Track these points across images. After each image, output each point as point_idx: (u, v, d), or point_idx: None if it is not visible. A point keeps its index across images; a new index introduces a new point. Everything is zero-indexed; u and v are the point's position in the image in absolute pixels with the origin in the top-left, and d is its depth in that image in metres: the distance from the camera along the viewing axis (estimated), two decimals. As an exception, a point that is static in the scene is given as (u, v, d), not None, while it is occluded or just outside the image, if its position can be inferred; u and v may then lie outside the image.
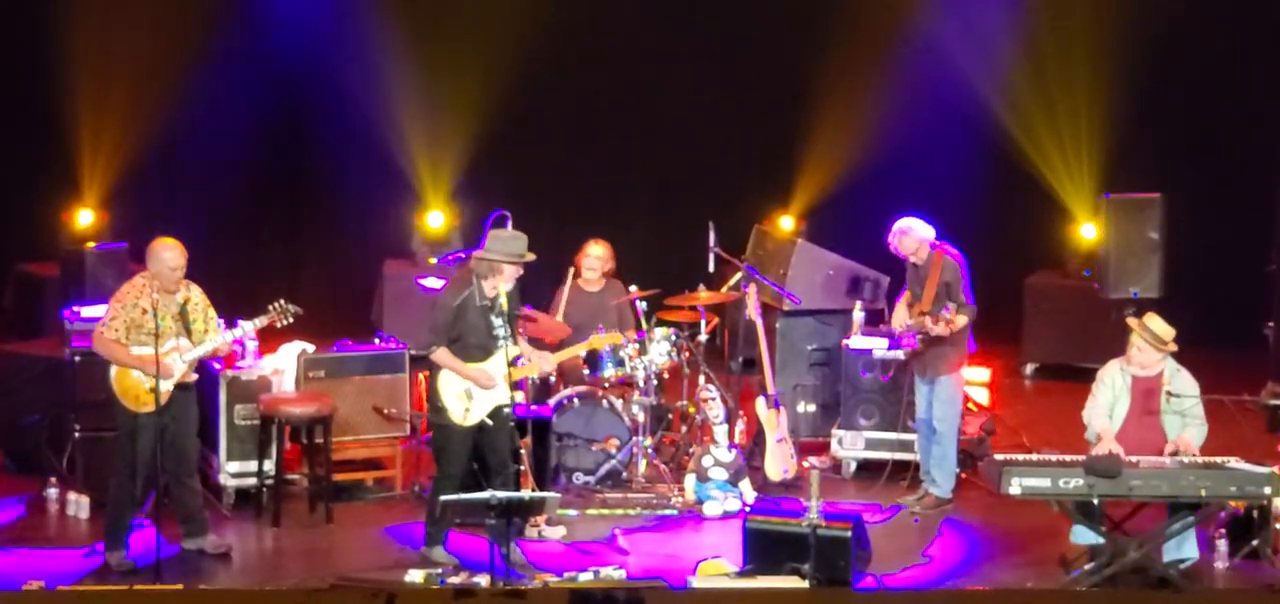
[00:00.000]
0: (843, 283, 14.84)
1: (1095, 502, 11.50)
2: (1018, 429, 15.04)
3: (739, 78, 18.62)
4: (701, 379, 13.95)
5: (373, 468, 13.69)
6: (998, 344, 16.85)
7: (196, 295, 12.08)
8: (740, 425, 13.89)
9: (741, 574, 11.60)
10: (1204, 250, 17.46)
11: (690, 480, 13.41)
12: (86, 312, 13.38)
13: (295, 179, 19.05)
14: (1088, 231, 17.46)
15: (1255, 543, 12.02)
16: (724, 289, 14.43)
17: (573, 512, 13.07)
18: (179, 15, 17.87)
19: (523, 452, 12.63)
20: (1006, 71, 18.12)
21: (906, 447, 13.79)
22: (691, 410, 14.07)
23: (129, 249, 14.65)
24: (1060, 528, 12.11)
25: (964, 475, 13.59)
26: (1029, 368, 17.55)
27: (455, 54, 18.24)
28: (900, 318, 13.35)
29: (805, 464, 13.77)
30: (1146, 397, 12.00)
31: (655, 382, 13.91)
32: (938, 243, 13.24)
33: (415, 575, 11.71)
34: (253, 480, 13.09)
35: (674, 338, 14.00)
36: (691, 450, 13.73)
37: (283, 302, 12.29)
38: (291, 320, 12.33)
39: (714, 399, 13.66)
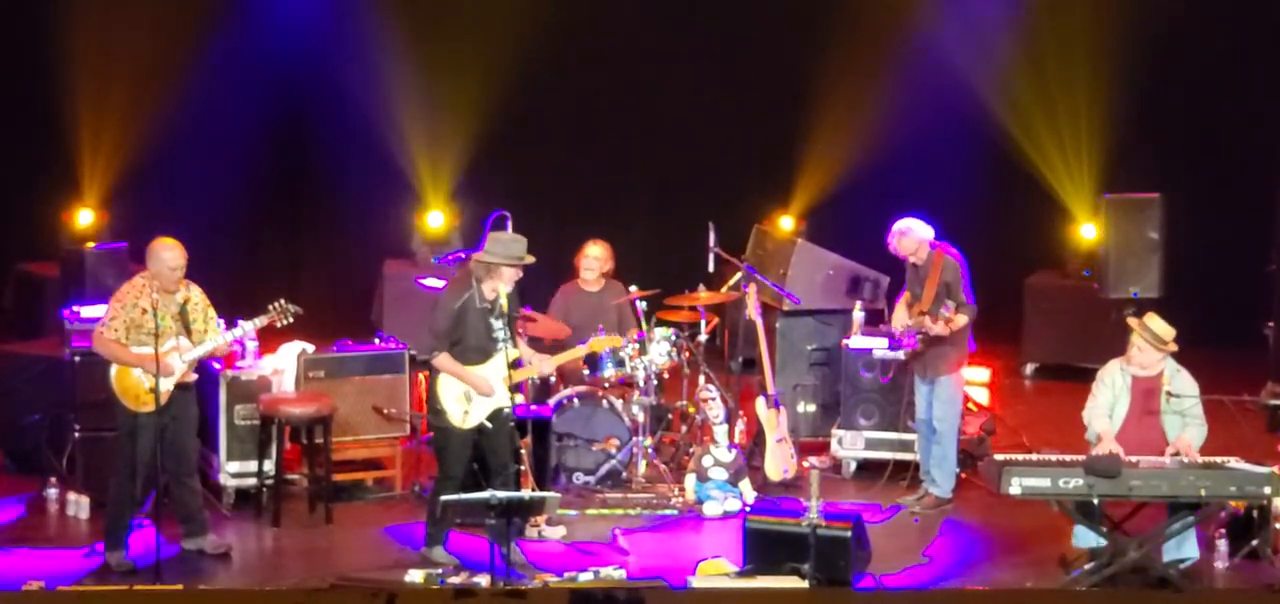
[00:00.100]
0: (843, 283, 14.84)
1: (1095, 502, 11.50)
2: (1018, 429, 15.04)
3: (739, 78, 18.62)
4: (701, 379, 13.95)
5: (373, 468, 13.69)
6: (998, 344, 16.85)
7: (196, 295, 12.08)
8: (740, 425, 13.89)
9: (741, 574, 11.60)
10: (1204, 250, 17.46)
11: (690, 480, 13.41)
12: (86, 311, 13.38)
13: (295, 179, 19.05)
14: (1088, 231, 17.46)
15: (1255, 543, 12.02)
16: (724, 289, 14.43)
17: (573, 512, 13.06)
18: (179, 15, 17.87)
19: (523, 452, 12.63)
20: (1006, 72, 18.11)
21: (906, 447, 13.79)
22: (691, 410, 14.07)
23: (129, 249, 14.65)
24: (1060, 528, 12.11)
25: (964, 475, 13.59)
26: (1029, 368, 17.55)
27: (455, 54, 18.24)
28: (900, 318, 13.35)
29: (805, 464, 13.77)
30: (1146, 397, 12.00)
31: (655, 382, 13.91)
32: (937, 243, 13.24)
33: (415, 575, 11.71)
34: (253, 480, 13.09)
35: (674, 338, 14.00)
36: (691, 450, 13.73)
37: (283, 301, 12.29)
38: (291, 320, 12.33)
39: (714, 399, 13.66)
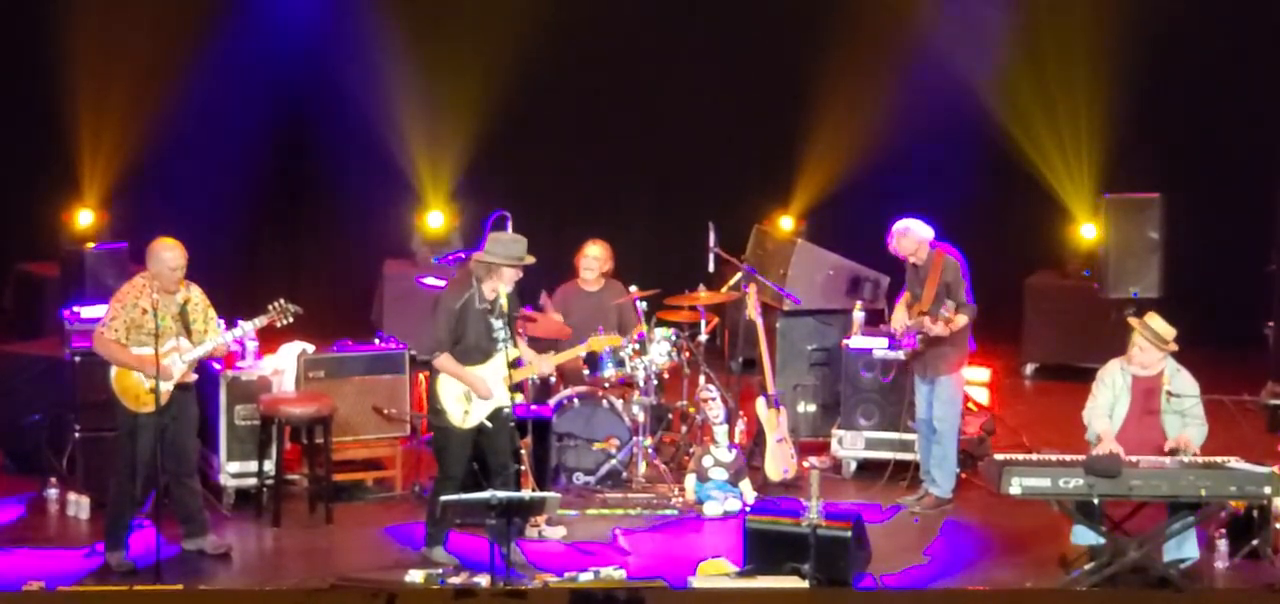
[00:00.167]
0: (843, 283, 14.84)
1: (1095, 502, 11.50)
2: (1018, 429, 15.04)
3: (739, 78, 18.62)
4: (701, 379, 13.95)
5: (373, 468, 13.69)
6: (998, 344, 16.85)
7: (196, 295, 12.08)
8: (740, 425, 13.89)
9: (741, 574, 11.59)
10: (1204, 250, 17.46)
11: (690, 480, 13.41)
12: (86, 311, 13.38)
13: (295, 179, 19.05)
14: (1088, 231, 17.46)
15: (1255, 543, 12.02)
16: (724, 289, 14.43)
17: (573, 512, 13.06)
18: (179, 15, 17.86)
19: (523, 452, 12.64)
20: (1006, 71, 18.11)
21: (906, 447, 13.79)
22: (691, 410, 14.07)
23: (129, 249, 14.65)
24: (1060, 528, 12.11)
25: (964, 475, 13.59)
26: (1029, 368, 17.55)
27: (455, 54, 18.24)
28: (900, 318, 13.35)
29: (805, 464, 13.76)
30: (1147, 396, 12.00)
31: (655, 382, 13.91)
32: (937, 242, 13.24)
33: (415, 575, 11.71)
34: (253, 481, 13.09)
35: (674, 338, 14.00)
36: (691, 450, 13.74)
37: (283, 301, 12.29)
38: (291, 320, 12.33)
39: (714, 399, 13.66)
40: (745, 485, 13.37)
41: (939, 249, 13.20)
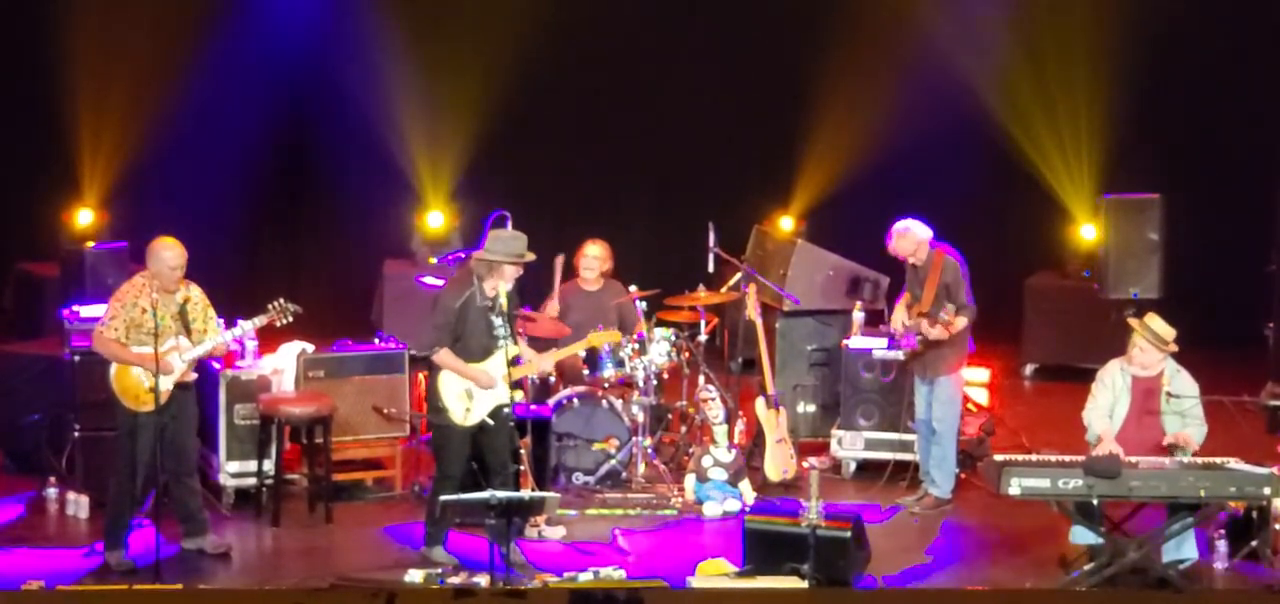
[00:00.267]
0: (842, 283, 14.83)
1: (1094, 502, 11.50)
2: (1017, 430, 15.04)
3: (739, 78, 18.62)
4: (701, 379, 13.95)
5: (373, 468, 13.69)
6: (998, 344, 16.85)
7: (196, 295, 12.08)
8: (740, 426, 13.89)
9: (741, 574, 11.59)
10: (1204, 250, 17.46)
11: (690, 481, 13.41)
12: (86, 311, 13.38)
13: (295, 179, 19.05)
14: (1088, 232, 17.45)
15: (1255, 543, 12.02)
16: (724, 289, 14.43)
17: (572, 512, 13.06)
18: (179, 15, 17.87)
19: (522, 452, 12.63)
20: (1006, 71, 18.11)
21: (906, 447, 13.79)
22: (691, 411, 14.07)
23: (129, 249, 14.65)
24: (1060, 528, 12.11)
25: (964, 476, 13.59)
26: (1029, 368, 17.55)
27: (455, 54, 18.24)
28: (899, 319, 13.35)
29: (805, 464, 13.75)
30: (1146, 397, 12.00)
31: (655, 382, 13.91)
32: (937, 243, 13.23)
33: (415, 575, 11.71)
34: (252, 480, 13.09)
35: (674, 338, 14.00)
36: (691, 451, 13.73)
37: (282, 301, 12.29)
38: (291, 319, 12.33)
39: (714, 399, 13.66)
40: (745, 486, 13.37)
41: (939, 250, 13.19)
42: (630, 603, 8.52)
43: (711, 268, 14.35)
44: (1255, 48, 17.81)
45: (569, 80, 18.57)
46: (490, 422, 11.96)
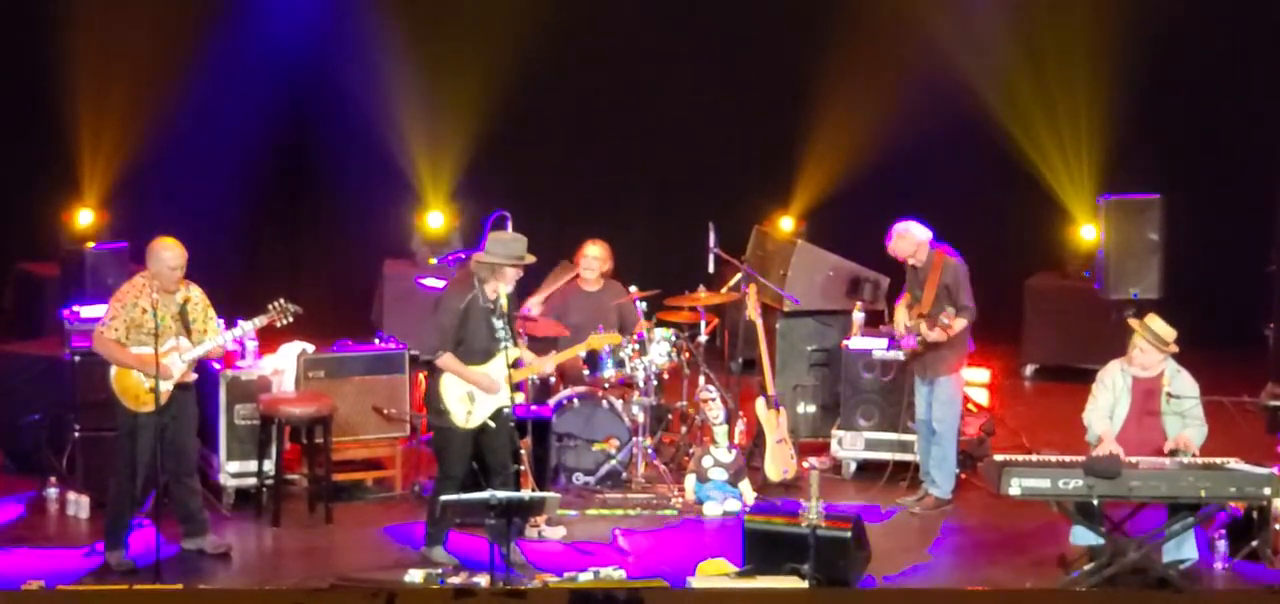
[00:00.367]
0: (842, 283, 14.83)
1: (1095, 502, 11.50)
2: (1018, 430, 15.04)
3: (739, 78, 18.62)
4: (701, 380, 13.95)
5: (373, 468, 13.68)
6: (998, 345, 16.85)
7: (196, 295, 12.08)
8: (740, 426, 13.89)
9: (741, 574, 11.59)
10: (1204, 250, 17.46)
11: (690, 481, 13.41)
12: (86, 311, 13.38)
13: (295, 179, 19.04)
14: (1088, 232, 17.45)
15: (1255, 544, 12.02)
16: (724, 290, 14.43)
17: (573, 512, 13.06)
18: (179, 15, 17.87)
19: (523, 452, 12.63)
20: (1006, 71, 18.11)
21: (906, 447, 13.79)
22: (691, 411, 14.07)
23: (129, 249, 14.64)
24: (1060, 528, 12.11)
25: (964, 476, 13.59)
26: (1029, 369, 17.55)
27: (455, 54, 18.24)
28: (900, 319, 13.35)
29: (805, 464, 13.75)
30: (1147, 398, 12.00)
31: (655, 382, 13.91)
32: (937, 244, 13.23)
33: (415, 575, 11.71)
34: (252, 480, 13.09)
35: (674, 338, 14.00)
36: (691, 451, 13.74)
37: (282, 301, 12.29)
38: (291, 320, 12.33)
39: (714, 400, 13.66)
40: (745, 486, 13.37)
41: (939, 250, 13.19)
42: (630, 603, 8.52)
43: (711, 268, 14.35)
44: (1255, 48, 17.81)
45: (569, 80, 18.57)
46: (491, 423, 11.96)
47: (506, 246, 11.96)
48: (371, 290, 17.92)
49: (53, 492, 13.20)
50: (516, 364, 12.22)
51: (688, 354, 14.10)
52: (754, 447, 13.94)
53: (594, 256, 14.26)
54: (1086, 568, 11.72)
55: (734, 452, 13.47)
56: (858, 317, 14.39)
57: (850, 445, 14.12)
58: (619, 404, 13.65)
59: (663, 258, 17.38)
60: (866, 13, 18.16)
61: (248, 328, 12.36)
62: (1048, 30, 18.10)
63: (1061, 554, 12.11)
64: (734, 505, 13.22)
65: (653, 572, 11.89)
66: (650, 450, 13.83)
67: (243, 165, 18.34)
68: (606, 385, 13.77)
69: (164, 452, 11.90)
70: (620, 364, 13.76)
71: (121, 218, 17.61)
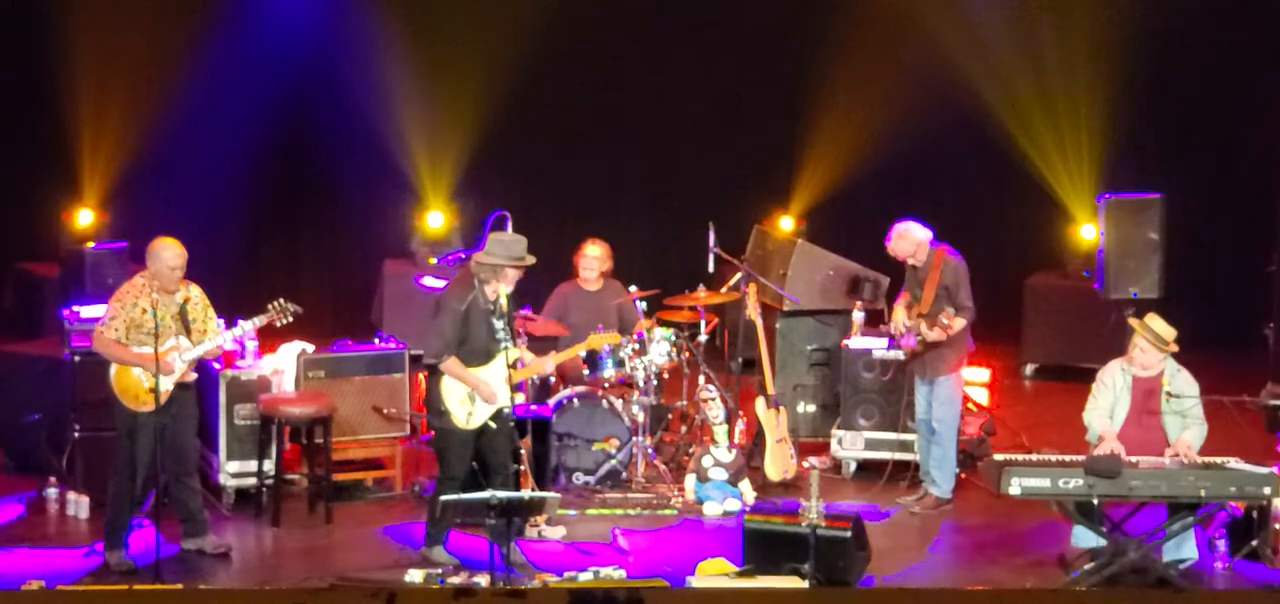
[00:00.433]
0: (842, 283, 14.83)
1: (1095, 502, 11.50)
2: (1018, 430, 15.04)
3: (739, 77, 18.62)
4: (701, 379, 13.94)
5: (373, 468, 13.68)
6: (998, 344, 16.85)
7: (196, 295, 12.08)
8: (740, 426, 13.89)
9: (741, 573, 11.59)
10: (1204, 250, 17.45)
11: (690, 481, 13.41)
12: (86, 311, 13.38)
13: (295, 179, 19.03)
14: (1088, 232, 17.44)
15: (1255, 543, 12.02)
16: (724, 289, 14.43)
17: (573, 512, 13.06)
18: (179, 15, 17.86)
19: (523, 452, 12.63)
20: (1006, 71, 18.10)
21: (906, 447, 13.79)
22: (691, 411, 14.07)
23: (129, 249, 14.64)
24: (1060, 528, 12.11)
25: (964, 476, 13.59)
26: (1029, 368, 17.55)
27: (455, 54, 18.23)
28: (899, 319, 13.35)
29: (805, 464, 13.75)
30: (1147, 397, 12.00)
31: (655, 382, 13.91)
32: (937, 243, 13.23)
33: (415, 575, 11.71)
34: (252, 480, 13.09)
35: (674, 338, 14.00)
36: (691, 451, 13.74)
37: (282, 300, 12.29)
38: (291, 319, 12.33)
39: (714, 399, 13.66)
40: (745, 486, 13.37)
41: (939, 250, 13.19)
42: (630, 603, 8.51)
43: (711, 268, 14.35)
44: (1255, 48, 17.80)
45: (569, 80, 18.56)
46: (492, 424, 11.96)
47: (507, 247, 11.96)
48: (371, 290, 17.92)
49: (53, 492, 13.21)
50: (517, 364, 12.21)
51: (688, 354, 14.10)
52: (754, 447, 13.94)
53: (594, 256, 14.26)
54: (1086, 568, 11.73)
55: (734, 452, 13.47)
56: (858, 316, 14.39)
57: (850, 445, 14.12)
58: (619, 404, 13.65)
59: (663, 258, 17.38)
60: (866, 13, 18.15)
61: (247, 327, 12.37)
62: (1048, 30, 18.09)
63: (1061, 554, 12.11)
64: (734, 505, 13.22)
65: (653, 572, 11.89)
66: (650, 450, 13.83)
67: (243, 165, 18.32)
68: (606, 385, 13.77)
69: (164, 451, 11.90)
70: (620, 364, 13.76)
71: (121, 218, 17.60)
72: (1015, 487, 11.37)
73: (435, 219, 18.15)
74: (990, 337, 15.29)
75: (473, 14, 18.28)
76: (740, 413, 14.05)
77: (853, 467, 14.15)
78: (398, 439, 13.69)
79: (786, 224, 18.06)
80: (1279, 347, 15.32)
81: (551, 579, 11.63)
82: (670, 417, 14.44)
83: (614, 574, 11.73)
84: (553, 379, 13.77)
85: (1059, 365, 17.19)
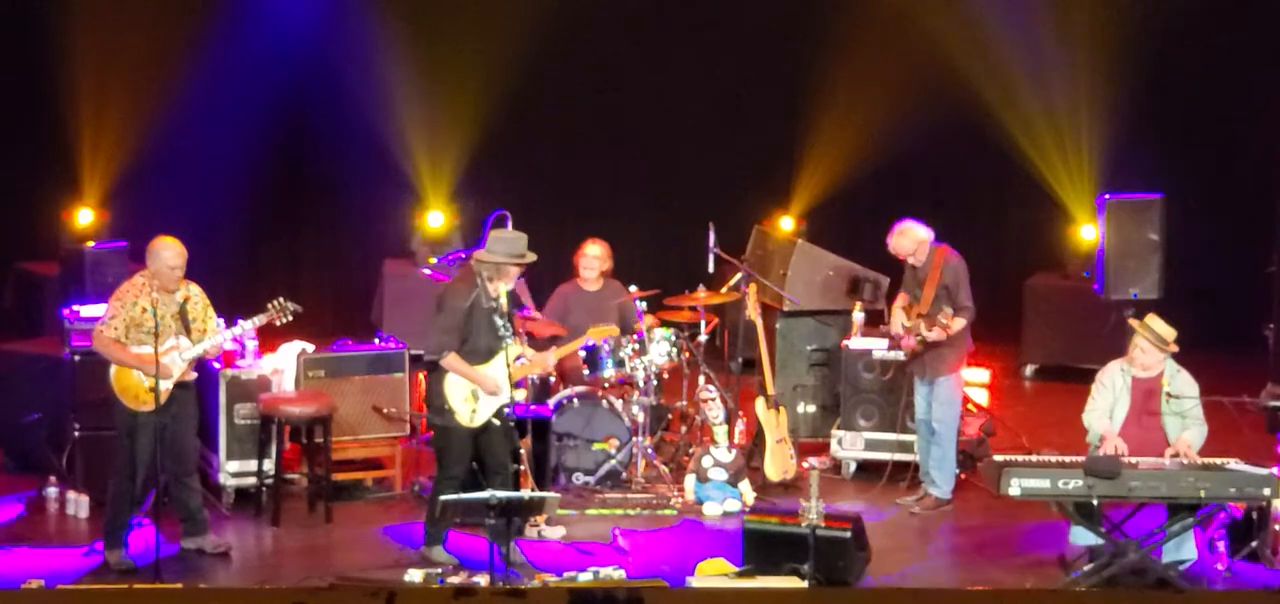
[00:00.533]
0: (842, 283, 14.83)
1: (1095, 502, 11.50)
2: (1018, 430, 15.04)
3: (739, 77, 18.62)
4: (701, 380, 13.94)
5: (373, 468, 13.68)
6: (998, 345, 16.85)
7: (196, 294, 12.08)
8: (740, 426, 13.89)
9: (741, 573, 11.59)
10: (1204, 250, 17.45)
11: (690, 481, 13.41)
12: (86, 311, 13.37)
13: (295, 179, 19.03)
14: (1088, 232, 17.44)
15: (1255, 544, 12.02)
16: (724, 289, 14.43)
17: (573, 512, 13.06)
18: (179, 15, 17.86)
19: (522, 452, 12.63)
20: (1006, 71, 18.10)
21: (906, 447, 13.79)
22: (691, 411, 14.07)
23: (129, 249, 14.64)
24: (1060, 528, 12.11)
25: (964, 476, 13.59)
26: (1029, 369, 17.55)
27: (455, 54, 18.23)
28: (896, 319, 13.35)
29: (805, 464, 13.74)
30: (1146, 398, 12.00)
31: (655, 382, 13.91)
32: (937, 243, 13.23)
33: (415, 575, 11.71)
34: (252, 480, 13.09)
35: (674, 338, 14.00)
36: (691, 451, 13.74)
37: (282, 300, 12.29)
38: (290, 319, 12.33)
39: (714, 400, 13.66)
40: (745, 486, 13.37)
41: (940, 250, 13.19)
42: (630, 603, 8.51)
43: (711, 268, 14.35)
44: (1255, 48, 17.80)
45: (569, 80, 18.56)
46: (495, 422, 11.96)
47: (508, 245, 11.97)
48: (371, 290, 17.92)
49: (53, 491, 13.21)
50: (517, 361, 12.21)
51: (688, 354, 14.10)
52: (754, 447, 13.94)
53: (594, 256, 14.26)
54: (1086, 568, 11.73)
55: (734, 452, 13.47)
56: (858, 316, 14.39)
57: (850, 445, 14.12)
58: (619, 404, 13.65)
59: (663, 258, 17.37)
60: (866, 13, 18.15)
61: (247, 327, 12.37)
62: (1048, 30, 18.08)
63: (1061, 554, 12.11)
64: (734, 505, 13.22)
65: (652, 572, 11.89)
66: (650, 450, 13.83)
67: (243, 165, 18.31)
68: (606, 385, 13.77)
69: (164, 451, 11.90)
70: (620, 364, 13.76)
71: (121, 218, 17.59)
72: (1015, 487, 11.37)
73: (435, 219, 18.15)
74: (990, 337, 15.29)
75: (473, 14, 18.28)
76: (740, 413, 14.05)
77: (852, 467, 14.15)
78: (397, 439, 13.69)
79: (786, 224, 18.06)
80: (1279, 347, 15.33)
81: (551, 579, 11.63)
82: (670, 417, 14.44)
83: (614, 574, 11.72)
84: (553, 379, 13.77)
85: (1059, 366, 17.19)
